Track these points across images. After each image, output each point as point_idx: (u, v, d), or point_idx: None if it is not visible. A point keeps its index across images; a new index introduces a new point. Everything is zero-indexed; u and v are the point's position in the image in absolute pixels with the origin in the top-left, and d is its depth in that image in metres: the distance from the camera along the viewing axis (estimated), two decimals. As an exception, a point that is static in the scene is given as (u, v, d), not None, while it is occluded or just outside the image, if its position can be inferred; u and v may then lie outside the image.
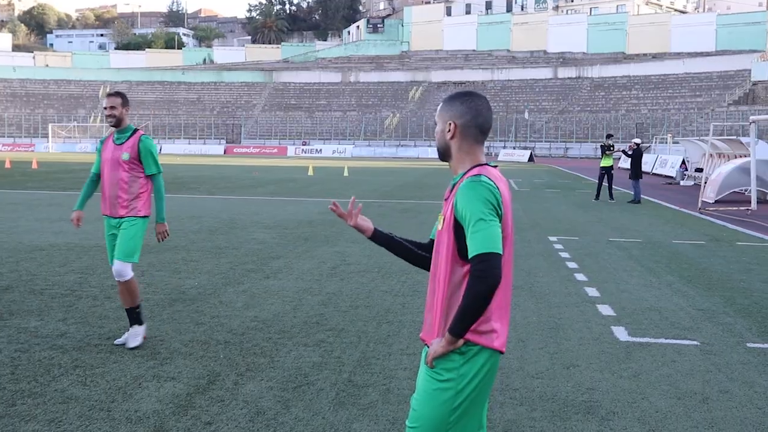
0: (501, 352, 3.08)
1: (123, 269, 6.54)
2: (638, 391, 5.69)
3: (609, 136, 24.37)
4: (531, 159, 66.28)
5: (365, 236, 3.47)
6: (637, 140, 24.63)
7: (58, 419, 4.90)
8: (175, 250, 12.02)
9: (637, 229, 16.00)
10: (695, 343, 7.10)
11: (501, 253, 2.92)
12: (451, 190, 3.14)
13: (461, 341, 3.00)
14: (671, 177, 37.16)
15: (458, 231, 3.03)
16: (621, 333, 7.39)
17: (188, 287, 9.17)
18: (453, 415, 3.02)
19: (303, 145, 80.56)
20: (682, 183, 34.24)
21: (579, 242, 13.72)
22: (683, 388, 5.80)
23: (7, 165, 41.33)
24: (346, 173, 37.28)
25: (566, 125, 79.75)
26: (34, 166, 40.69)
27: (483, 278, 2.88)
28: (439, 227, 3.17)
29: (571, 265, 11.24)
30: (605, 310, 8.38)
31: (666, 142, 53.15)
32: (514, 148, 75.80)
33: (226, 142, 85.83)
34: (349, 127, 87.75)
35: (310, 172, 37.42)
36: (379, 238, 3.48)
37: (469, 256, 2.94)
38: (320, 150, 77.47)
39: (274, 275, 10.07)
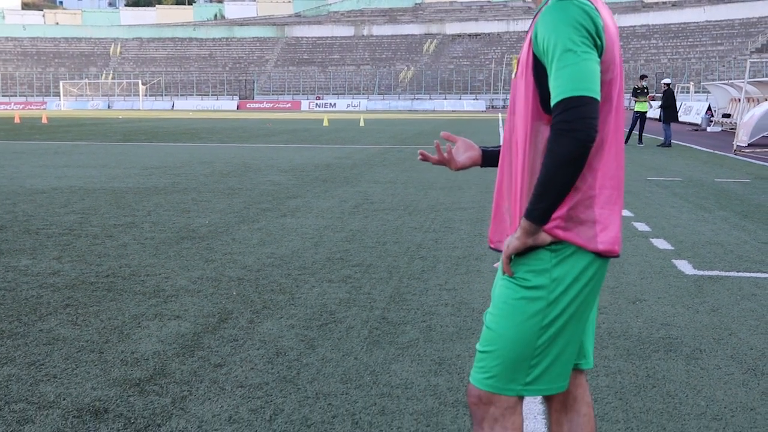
0: (610, 256, 2.20)
1: None
2: (722, 327, 4.84)
3: (643, 77, 23.08)
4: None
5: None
6: (667, 80, 23.46)
7: (40, 362, 4.11)
8: (184, 192, 11.20)
9: (675, 169, 15.05)
10: (772, 275, 6.24)
11: (597, 97, 2.02)
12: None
13: (546, 236, 2.12)
14: (696, 124, 35.95)
15: (540, 73, 2.13)
16: (685, 266, 6.53)
17: (198, 225, 8.36)
18: (543, 337, 2.14)
19: (317, 99, 79.33)
20: (708, 129, 33.08)
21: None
22: (774, 323, 4.95)
23: (17, 120, 40.55)
24: (362, 123, 36.29)
25: (584, 76, 78.01)
26: (44, 121, 39.88)
27: (570, 132, 1.98)
28: (515, 75, 2.27)
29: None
30: (660, 243, 7.51)
31: (688, 92, 51.80)
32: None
33: (239, 98, 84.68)
34: (362, 82, 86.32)
35: (325, 123, 36.44)
36: (493, 157, 2.55)
37: (552, 103, 2.04)
38: (334, 104, 76.29)
39: (292, 214, 9.24)
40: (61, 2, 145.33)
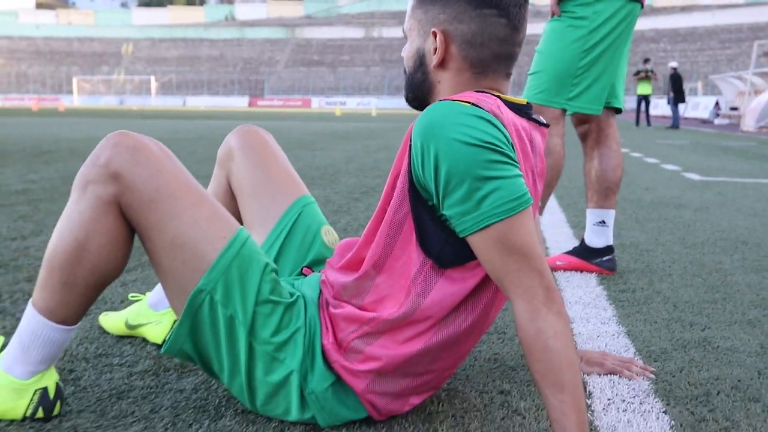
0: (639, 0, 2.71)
1: None
2: (728, 200, 5.32)
3: (647, 61, 23.51)
4: (558, 110, 65.36)
5: None
6: (674, 64, 23.91)
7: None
8: (213, 140, 11.73)
9: (682, 138, 15.53)
10: (774, 181, 6.72)
11: None
12: None
13: None
14: (704, 119, 36.36)
15: None
16: (693, 176, 7.02)
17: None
18: (583, 60, 2.67)
19: (327, 98, 79.91)
20: (716, 122, 33.48)
21: (626, 143, 13.29)
22: (775, 198, 5.43)
23: (34, 108, 41.23)
24: (374, 114, 36.83)
25: (593, 78, 78.43)
26: (61, 109, 40.55)
27: None
28: None
29: (623, 149, 10.82)
30: (669, 167, 8.01)
31: (696, 94, 52.25)
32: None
33: (250, 97, 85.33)
34: (372, 83, 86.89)
35: (338, 113, 37.02)
36: None
37: None
38: (344, 102, 76.81)
39: (320, 151, 9.74)
40: (74, 2, 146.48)
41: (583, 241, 2.95)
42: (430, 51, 1.42)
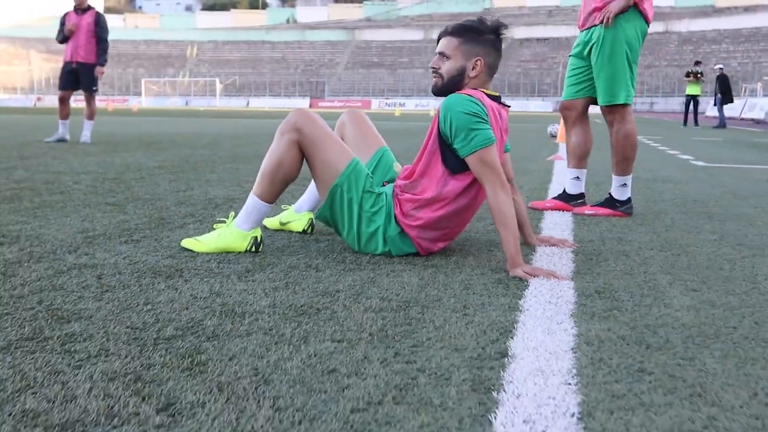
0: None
1: None
2: (718, 176, 6.60)
3: (698, 63, 24.40)
4: (615, 111, 65.64)
5: None
6: (720, 66, 24.78)
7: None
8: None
9: (721, 135, 16.57)
10: None
11: None
12: None
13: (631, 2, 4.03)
14: (759, 119, 36.77)
15: None
16: (698, 163, 8.28)
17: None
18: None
19: (386, 99, 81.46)
20: (770, 122, 33.93)
21: (657, 139, 14.43)
22: None
23: (110, 109, 43.63)
24: (432, 114, 38.18)
25: (652, 80, 78.51)
26: (134, 109, 42.82)
27: None
28: None
29: (653, 144, 12.02)
30: (684, 156, 9.26)
31: (756, 95, 52.35)
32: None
33: (310, 98, 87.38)
34: (431, 84, 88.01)
35: (397, 114, 38.46)
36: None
37: None
38: (403, 104, 78.34)
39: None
40: (140, 7, 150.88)
41: (611, 196, 4.29)
42: (470, 68, 2.86)
